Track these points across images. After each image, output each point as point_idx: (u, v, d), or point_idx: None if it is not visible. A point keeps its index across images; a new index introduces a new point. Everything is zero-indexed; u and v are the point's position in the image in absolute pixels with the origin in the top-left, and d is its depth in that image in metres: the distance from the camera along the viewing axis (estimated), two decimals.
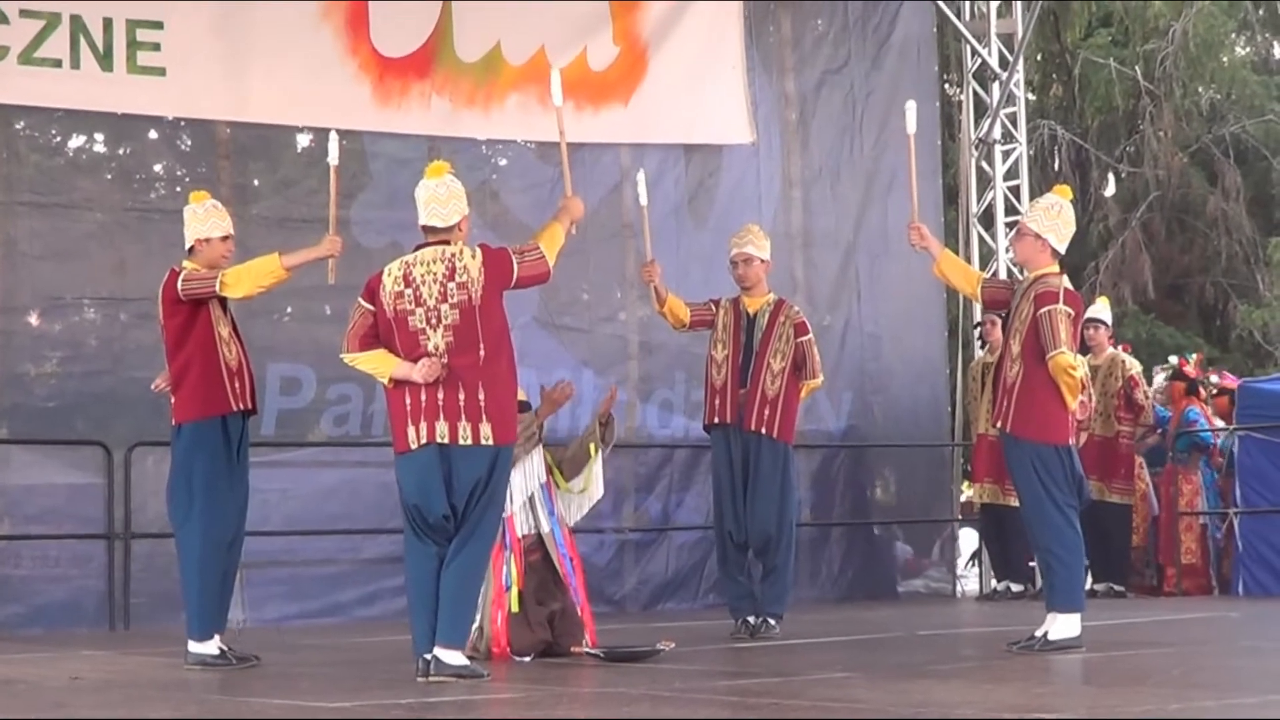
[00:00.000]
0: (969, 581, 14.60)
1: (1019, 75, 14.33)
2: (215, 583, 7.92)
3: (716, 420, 9.62)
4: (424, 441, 7.09)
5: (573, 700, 6.92)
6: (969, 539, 15.08)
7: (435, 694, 6.72)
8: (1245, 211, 21.03)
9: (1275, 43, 23.46)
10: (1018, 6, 14.40)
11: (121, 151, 11.96)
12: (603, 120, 12.66)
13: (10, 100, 11.07)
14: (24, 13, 10.89)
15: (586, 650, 8.15)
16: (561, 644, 8.22)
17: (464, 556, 7.11)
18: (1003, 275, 13.39)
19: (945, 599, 13.73)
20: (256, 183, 12.06)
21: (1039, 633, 8.16)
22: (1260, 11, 22.22)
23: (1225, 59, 21.86)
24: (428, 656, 7.06)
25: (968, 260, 13.55)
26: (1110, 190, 21.70)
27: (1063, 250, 8.27)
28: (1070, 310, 8.08)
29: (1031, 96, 19.87)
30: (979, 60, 14.33)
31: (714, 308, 9.73)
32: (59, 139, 11.97)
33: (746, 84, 13.29)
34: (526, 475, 8.35)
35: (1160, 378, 14.18)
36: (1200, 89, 21.61)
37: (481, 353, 7.10)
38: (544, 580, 8.35)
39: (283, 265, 7.90)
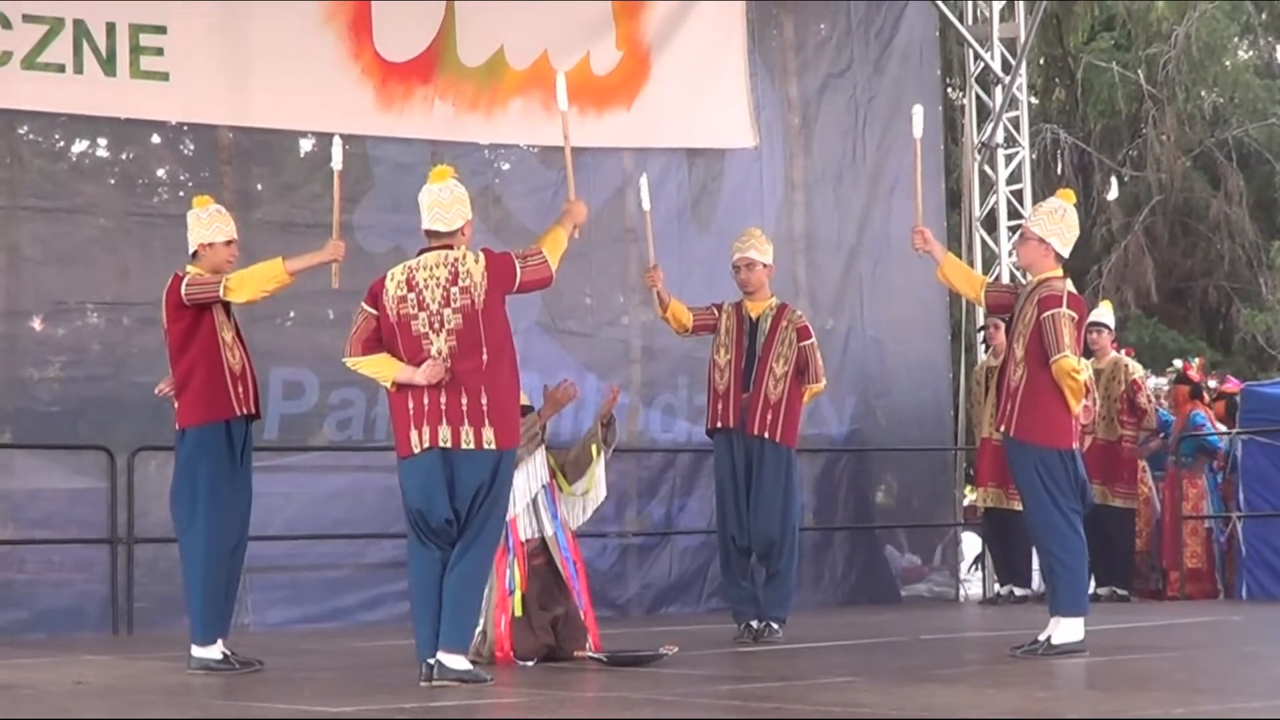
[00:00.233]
0: (972, 586, 14.59)
1: (1022, 79, 14.30)
2: (218, 588, 7.92)
3: (719, 425, 9.60)
4: (427, 446, 7.09)
5: (576, 705, 6.92)
6: (972, 543, 15.07)
7: (438, 699, 6.72)
8: (1248, 215, 21.04)
9: (1278, 46, 23.45)
10: (1020, 10, 14.38)
11: (124, 156, 11.97)
12: (606, 124, 12.66)
13: (13, 105, 11.08)
14: (27, 17, 10.90)
15: (590, 655, 8.14)
16: (565, 648, 8.21)
17: (467, 561, 7.11)
18: (1006, 279, 13.37)
19: (948, 603, 13.70)
20: (259, 187, 12.07)
21: (1042, 637, 8.15)
22: (1263, 15, 22.23)
23: (1228, 63, 21.86)
24: (431, 661, 7.06)
25: (970, 264, 13.53)
26: (1113, 194, 21.70)
27: (1066, 254, 8.26)
28: (1074, 314, 8.07)
29: (1034, 100, 19.87)
30: (982, 64, 14.31)
31: (716, 312, 9.71)
32: (62, 144, 11.97)
33: (749, 88, 13.30)
34: (530, 476, 8.35)
35: (1161, 381, 14.17)
36: (1203, 93, 21.62)
37: (484, 357, 7.10)
38: (547, 584, 8.35)
39: (286, 270, 7.91)
